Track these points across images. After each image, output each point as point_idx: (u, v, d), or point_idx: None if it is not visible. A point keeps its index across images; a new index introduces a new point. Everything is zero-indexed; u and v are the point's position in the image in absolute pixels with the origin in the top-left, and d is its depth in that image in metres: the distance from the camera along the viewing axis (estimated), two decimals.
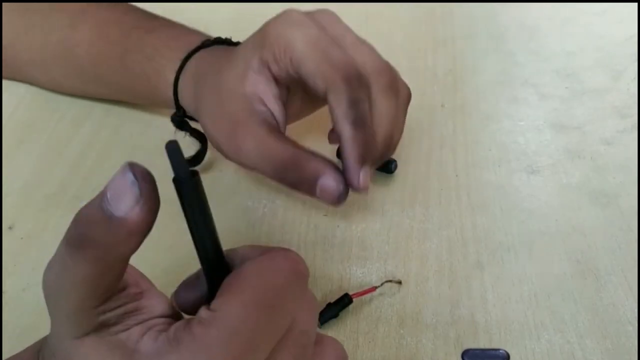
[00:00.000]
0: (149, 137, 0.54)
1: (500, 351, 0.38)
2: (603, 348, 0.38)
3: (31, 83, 0.59)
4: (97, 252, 0.23)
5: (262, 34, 0.39)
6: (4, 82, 0.60)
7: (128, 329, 0.25)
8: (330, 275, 0.43)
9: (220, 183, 0.49)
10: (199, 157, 0.48)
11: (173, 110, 0.48)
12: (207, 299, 0.27)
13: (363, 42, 0.41)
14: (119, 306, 0.26)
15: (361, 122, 0.36)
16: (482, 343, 0.38)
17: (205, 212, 0.25)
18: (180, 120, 0.47)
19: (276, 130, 0.39)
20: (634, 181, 0.48)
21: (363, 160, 0.36)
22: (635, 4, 0.68)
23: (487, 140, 0.53)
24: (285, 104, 0.41)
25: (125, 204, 0.23)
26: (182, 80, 0.46)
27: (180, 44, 0.47)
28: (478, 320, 0.40)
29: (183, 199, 0.25)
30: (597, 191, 0.48)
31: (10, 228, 0.47)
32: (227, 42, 0.47)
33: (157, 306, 0.27)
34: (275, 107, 0.40)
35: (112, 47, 0.50)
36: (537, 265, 0.43)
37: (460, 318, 0.40)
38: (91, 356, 0.25)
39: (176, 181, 0.25)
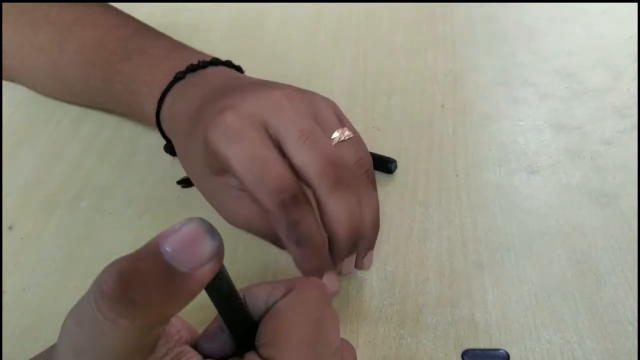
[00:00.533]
0: (149, 137, 0.54)
1: (500, 351, 0.38)
2: (603, 348, 0.38)
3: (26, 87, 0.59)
4: (146, 314, 0.21)
5: (206, 140, 0.36)
6: (4, 82, 0.60)
7: None
8: None
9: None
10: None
11: None
12: (235, 345, 0.27)
13: (304, 139, 0.36)
14: (165, 353, 0.24)
15: (304, 240, 0.34)
16: (482, 343, 0.38)
17: (231, 295, 0.25)
18: (171, 150, 0.47)
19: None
20: (634, 181, 0.48)
21: (316, 273, 0.35)
22: (635, 4, 0.68)
23: (487, 140, 0.53)
24: None
25: (198, 258, 0.21)
26: (163, 114, 0.45)
27: (156, 78, 0.46)
28: (478, 320, 0.40)
29: (212, 286, 0.23)
30: (597, 191, 0.48)
31: (10, 228, 0.47)
32: (198, 67, 0.45)
33: (187, 337, 0.27)
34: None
35: (97, 72, 0.50)
36: (537, 265, 0.43)
37: (460, 318, 0.40)
38: None
39: None
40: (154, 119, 0.46)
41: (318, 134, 0.36)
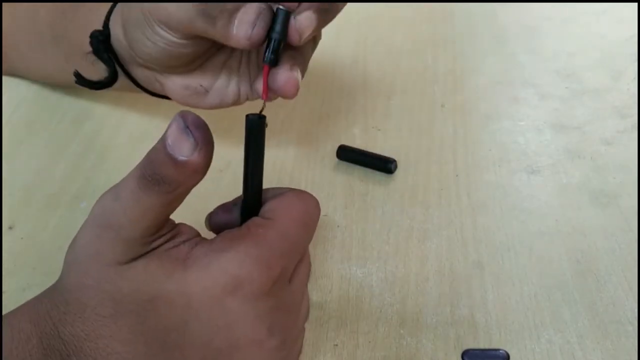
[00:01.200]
0: (149, 137, 0.54)
1: (500, 351, 0.38)
2: (603, 348, 0.38)
3: (11, 73, 0.59)
4: (168, 187, 0.28)
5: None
6: (5, 82, 0.60)
7: (177, 245, 0.29)
8: (330, 275, 0.43)
9: (220, 183, 0.49)
10: (108, 82, 0.45)
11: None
12: (239, 223, 0.32)
13: None
14: (167, 232, 0.29)
15: None
16: (482, 343, 0.38)
17: (261, 149, 0.31)
18: (104, 39, 0.42)
19: None
20: (634, 181, 0.48)
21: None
22: (635, 4, 0.68)
23: (487, 140, 0.53)
24: None
25: (186, 150, 0.27)
26: (114, 14, 0.42)
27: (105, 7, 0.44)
28: (478, 320, 0.40)
29: (249, 134, 0.31)
30: (597, 191, 0.48)
31: (10, 228, 0.47)
32: None
33: (192, 230, 0.31)
34: None
35: (42, 21, 0.50)
36: (537, 265, 0.43)
37: (460, 318, 0.40)
38: (141, 276, 0.28)
39: (247, 119, 0.31)
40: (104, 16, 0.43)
41: None
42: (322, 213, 0.46)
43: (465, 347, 0.38)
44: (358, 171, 0.50)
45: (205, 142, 0.28)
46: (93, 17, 0.45)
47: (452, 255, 0.44)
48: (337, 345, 0.38)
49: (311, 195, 0.32)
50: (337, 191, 0.49)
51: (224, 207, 0.34)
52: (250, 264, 0.29)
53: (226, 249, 0.29)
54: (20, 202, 0.49)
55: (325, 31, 0.66)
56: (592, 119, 0.55)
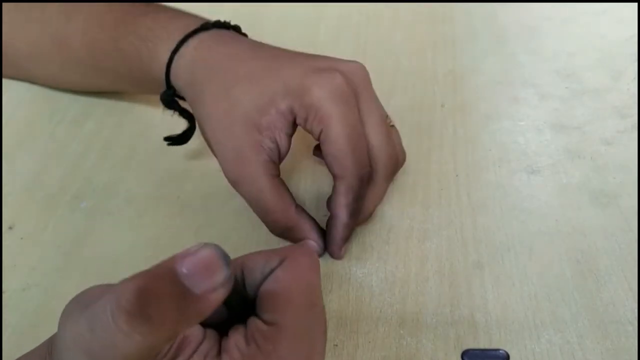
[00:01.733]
0: (149, 137, 0.54)
1: (500, 351, 0.38)
2: (603, 348, 0.38)
3: (29, 80, 0.59)
4: (159, 330, 0.21)
5: (303, 89, 0.39)
6: (5, 82, 0.60)
7: None
8: (330, 275, 0.43)
9: (220, 183, 0.49)
10: (186, 136, 0.48)
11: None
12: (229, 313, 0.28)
13: (384, 124, 0.42)
14: (169, 350, 0.25)
15: (357, 213, 0.41)
16: (482, 343, 0.38)
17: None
18: (170, 99, 0.46)
19: (274, 174, 0.41)
20: (634, 181, 0.48)
21: (347, 240, 0.42)
22: (635, 4, 0.68)
23: (487, 140, 0.53)
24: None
25: (211, 282, 0.22)
26: (177, 60, 0.44)
27: (177, 25, 0.45)
28: (478, 320, 0.40)
29: None
30: (597, 191, 0.48)
31: (10, 228, 0.47)
32: (228, 26, 0.46)
33: (196, 335, 0.26)
34: (284, 143, 0.41)
35: (106, 32, 0.49)
36: (537, 265, 0.43)
37: (460, 318, 0.40)
38: None
39: None
40: (164, 66, 0.44)
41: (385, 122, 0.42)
42: (322, 213, 0.47)
43: (465, 347, 0.38)
44: None
45: (232, 280, 0.23)
46: (142, 47, 0.47)
47: (452, 255, 0.44)
48: (337, 345, 0.38)
49: (303, 257, 0.28)
50: None
51: None
52: None
53: None
54: (20, 202, 0.49)
55: (326, 31, 0.66)
56: (592, 119, 0.55)
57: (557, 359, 0.37)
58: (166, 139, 0.49)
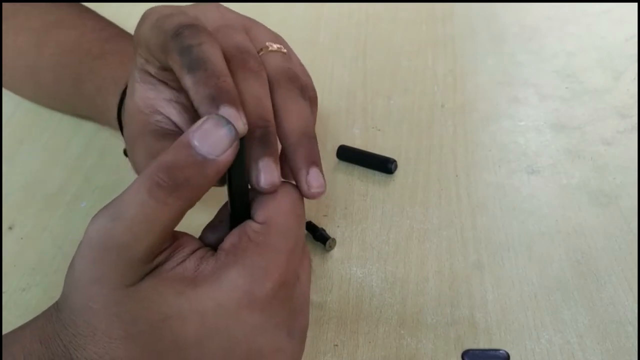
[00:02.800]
0: None
1: (500, 351, 0.38)
2: (603, 348, 0.38)
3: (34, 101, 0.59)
4: (189, 193, 0.27)
5: (133, 43, 0.36)
6: None
7: (181, 262, 0.29)
8: (330, 275, 0.43)
9: None
10: None
11: None
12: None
13: (221, 30, 0.34)
14: (168, 246, 0.29)
15: (197, 64, 0.30)
16: (482, 343, 0.38)
17: (243, 167, 0.30)
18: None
19: (170, 134, 0.37)
20: (634, 182, 0.48)
21: (213, 102, 0.29)
22: (635, 4, 0.68)
23: (487, 141, 0.53)
24: (188, 104, 0.37)
25: (219, 147, 0.27)
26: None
27: (125, 75, 0.45)
28: (478, 320, 0.40)
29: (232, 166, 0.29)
30: (597, 191, 0.48)
31: (10, 228, 0.47)
32: None
33: (192, 239, 0.30)
34: (172, 111, 0.37)
35: (69, 73, 0.51)
36: (537, 265, 0.43)
37: (460, 318, 0.40)
38: (151, 296, 0.27)
39: None
40: (116, 119, 0.45)
41: (236, 32, 0.35)
42: (322, 213, 0.47)
43: (465, 347, 0.38)
44: (358, 171, 0.50)
45: (237, 139, 0.28)
46: (97, 97, 0.48)
47: (452, 255, 0.44)
48: (337, 345, 0.38)
49: (291, 184, 0.32)
50: (337, 191, 0.49)
51: (212, 227, 0.32)
52: (260, 275, 0.28)
53: (233, 263, 0.28)
54: (20, 202, 0.49)
55: (326, 31, 0.66)
56: (592, 119, 0.55)
57: (557, 359, 0.37)
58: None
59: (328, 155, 0.52)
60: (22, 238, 0.46)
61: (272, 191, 0.31)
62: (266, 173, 0.30)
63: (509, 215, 0.46)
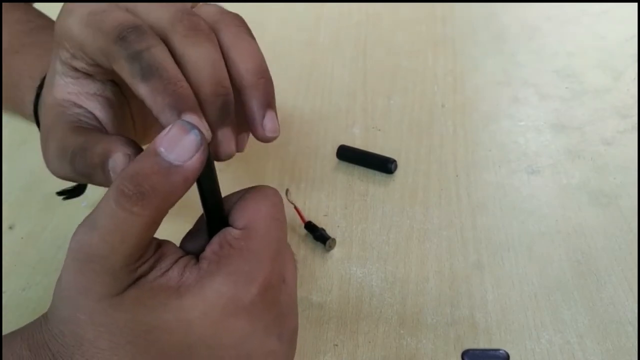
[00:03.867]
0: None
1: (500, 351, 0.38)
2: (603, 348, 0.38)
3: None
4: (156, 202, 0.26)
5: (54, 35, 0.34)
6: None
7: (165, 272, 0.28)
8: (330, 275, 0.43)
9: (220, 183, 0.49)
10: (80, 189, 0.46)
11: None
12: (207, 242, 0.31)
13: (156, 4, 0.32)
14: (151, 256, 0.28)
15: (149, 71, 0.29)
16: (482, 343, 0.38)
17: (212, 173, 0.29)
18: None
19: (88, 129, 0.34)
20: (634, 182, 0.48)
21: (173, 111, 0.28)
22: (635, 4, 0.68)
23: (487, 141, 0.53)
24: (113, 99, 0.36)
25: (186, 153, 0.26)
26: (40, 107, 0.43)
27: (42, 69, 0.44)
28: (478, 320, 0.40)
29: (202, 178, 0.29)
30: (597, 191, 0.48)
31: (10, 228, 0.47)
32: None
33: (175, 248, 0.30)
34: (95, 105, 0.35)
35: None
36: (537, 265, 0.43)
37: (460, 318, 0.40)
38: (136, 308, 0.27)
39: None
40: (33, 115, 0.44)
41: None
42: (322, 213, 0.47)
43: (465, 347, 0.38)
44: (358, 171, 0.50)
45: (206, 145, 0.27)
46: (15, 94, 0.47)
47: (452, 255, 0.44)
48: (337, 345, 0.38)
49: (269, 188, 0.31)
50: (337, 191, 0.49)
51: (191, 235, 0.32)
52: (245, 281, 0.28)
53: (216, 271, 0.28)
54: (20, 202, 0.49)
55: (326, 31, 0.66)
56: (592, 119, 0.55)
57: (557, 359, 0.37)
58: (59, 193, 0.46)
59: (328, 155, 0.52)
60: (22, 238, 0.46)
61: (227, 160, 0.31)
62: (225, 144, 0.30)
63: (509, 215, 0.46)
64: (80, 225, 0.28)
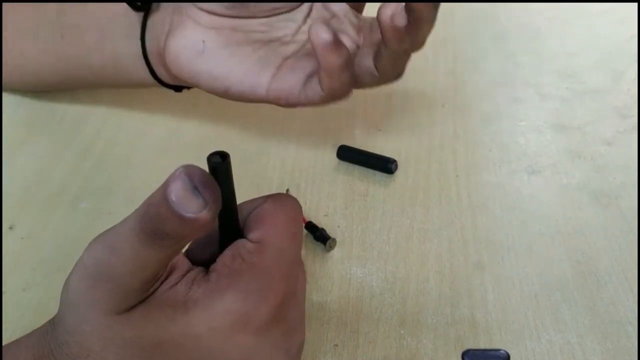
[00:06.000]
0: (148, 137, 0.54)
1: (501, 351, 0.38)
2: (603, 349, 0.38)
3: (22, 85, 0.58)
4: (171, 243, 0.26)
5: None
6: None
7: (173, 285, 0.28)
8: (331, 275, 0.43)
9: None
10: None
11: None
12: (219, 252, 0.30)
13: None
14: (162, 274, 0.28)
15: None
16: (483, 343, 0.38)
17: (230, 188, 0.29)
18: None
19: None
20: (635, 182, 0.48)
21: None
22: (636, 4, 0.68)
23: (488, 141, 0.53)
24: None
25: (194, 209, 0.25)
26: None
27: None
28: (478, 320, 0.40)
29: (215, 174, 0.27)
30: (597, 192, 0.48)
31: (10, 228, 0.47)
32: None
33: (184, 260, 0.29)
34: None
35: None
36: (538, 265, 0.43)
37: (460, 318, 0.40)
38: (143, 323, 0.27)
39: (210, 163, 0.27)
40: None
41: None
42: (322, 213, 0.47)
43: (465, 347, 0.38)
44: (358, 171, 0.50)
45: (214, 201, 0.25)
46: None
47: (452, 255, 0.44)
48: (337, 345, 0.38)
49: (288, 198, 0.31)
50: (338, 191, 0.49)
51: (200, 243, 0.32)
52: (255, 299, 0.28)
53: (226, 287, 0.28)
54: (20, 202, 0.49)
55: None
56: (593, 120, 0.55)
57: (558, 359, 0.37)
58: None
59: (328, 155, 0.52)
60: (22, 238, 0.46)
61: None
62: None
63: (509, 215, 0.46)
64: (96, 242, 0.27)
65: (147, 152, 0.53)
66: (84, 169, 0.51)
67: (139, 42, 0.46)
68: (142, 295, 0.27)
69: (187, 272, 0.29)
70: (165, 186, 0.25)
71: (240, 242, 0.29)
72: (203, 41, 0.42)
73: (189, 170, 0.25)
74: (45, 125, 0.56)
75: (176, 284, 0.28)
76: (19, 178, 0.51)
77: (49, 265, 0.44)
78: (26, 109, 0.58)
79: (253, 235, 0.29)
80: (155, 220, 0.25)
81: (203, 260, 0.30)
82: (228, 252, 0.29)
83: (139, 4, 0.45)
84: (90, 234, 0.42)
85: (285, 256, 0.29)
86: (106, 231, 0.27)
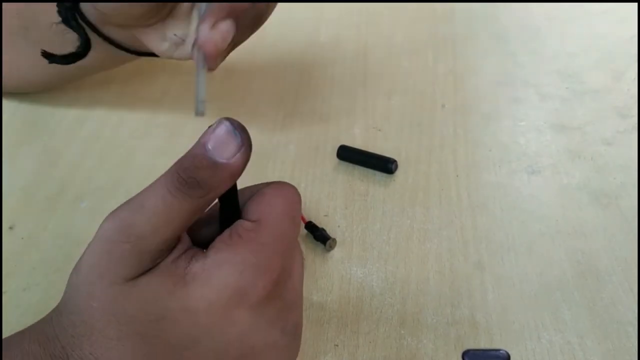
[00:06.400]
0: (149, 137, 0.54)
1: (501, 351, 0.38)
2: (603, 349, 0.38)
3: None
4: (203, 192, 0.28)
5: None
6: None
7: (175, 259, 0.29)
8: (331, 275, 0.43)
9: None
10: (76, 55, 0.46)
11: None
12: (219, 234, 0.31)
13: None
14: (174, 246, 0.29)
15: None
16: (483, 343, 0.38)
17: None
18: (72, 5, 0.44)
19: None
20: (635, 182, 0.48)
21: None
22: (636, 4, 0.68)
23: (488, 141, 0.53)
24: None
25: (229, 152, 0.28)
26: None
27: None
28: (478, 320, 0.40)
29: None
30: (597, 191, 0.48)
31: (10, 228, 0.47)
32: None
33: (186, 238, 0.30)
34: None
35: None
36: (538, 265, 0.43)
37: (460, 318, 0.40)
38: (143, 293, 0.28)
39: None
40: None
41: None
42: (322, 213, 0.47)
43: (465, 347, 0.38)
44: (358, 171, 0.50)
45: (248, 145, 0.28)
46: None
47: (453, 255, 0.44)
48: (337, 345, 0.38)
49: (288, 185, 0.32)
50: (338, 191, 0.49)
51: (202, 223, 0.32)
52: (251, 273, 0.28)
53: (223, 261, 0.28)
54: (20, 202, 0.49)
55: (326, 31, 0.66)
56: (593, 120, 0.55)
57: (558, 359, 0.37)
58: (45, 55, 0.46)
59: (328, 155, 0.52)
60: (22, 238, 0.46)
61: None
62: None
63: (509, 215, 0.46)
64: (116, 212, 0.28)
65: (147, 152, 0.53)
66: (83, 168, 0.51)
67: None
68: (152, 262, 0.28)
69: (189, 248, 0.30)
70: (203, 135, 0.28)
71: (239, 222, 0.30)
72: (174, 34, 0.43)
73: (229, 118, 0.28)
74: (45, 125, 0.56)
75: (178, 257, 0.29)
76: (19, 178, 0.51)
77: (49, 265, 0.44)
78: (26, 109, 0.58)
79: (251, 215, 0.30)
80: (189, 169, 0.27)
81: (204, 241, 0.31)
82: (227, 231, 0.30)
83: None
84: (90, 234, 0.42)
85: (282, 235, 0.30)
86: (129, 199, 0.28)
